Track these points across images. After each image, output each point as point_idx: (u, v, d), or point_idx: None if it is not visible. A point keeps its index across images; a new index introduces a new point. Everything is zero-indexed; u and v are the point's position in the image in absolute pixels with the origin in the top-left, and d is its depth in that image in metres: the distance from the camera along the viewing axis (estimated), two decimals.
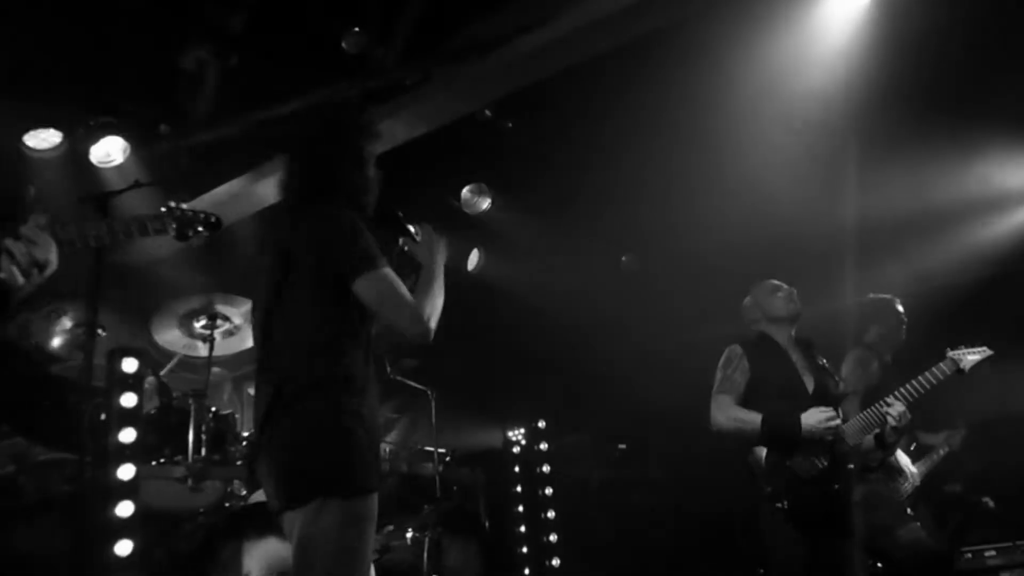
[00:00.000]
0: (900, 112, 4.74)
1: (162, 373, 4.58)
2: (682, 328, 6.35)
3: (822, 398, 3.66)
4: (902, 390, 3.58)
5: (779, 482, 3.52)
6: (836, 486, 3.51)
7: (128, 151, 4.69)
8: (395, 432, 5.96)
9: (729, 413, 3.65)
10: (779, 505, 3.48)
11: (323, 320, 2.31)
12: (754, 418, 3.56)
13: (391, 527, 4.65)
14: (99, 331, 3.68)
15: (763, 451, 3.62)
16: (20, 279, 1.88)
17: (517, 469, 6.70)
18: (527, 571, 6.32)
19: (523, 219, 6.15)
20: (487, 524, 5.39)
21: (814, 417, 3.50)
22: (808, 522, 3.47)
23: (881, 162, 5.02)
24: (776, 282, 3.95)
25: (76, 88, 4.51)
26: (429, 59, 4.67)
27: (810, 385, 3.72)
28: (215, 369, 5.00)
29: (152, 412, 4.23)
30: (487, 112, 5.18)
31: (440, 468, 5.08)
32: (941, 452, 5.05)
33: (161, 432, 4.17)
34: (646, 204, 5.79)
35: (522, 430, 6.76)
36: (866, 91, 4.58)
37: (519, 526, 6.47)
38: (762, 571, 3.96)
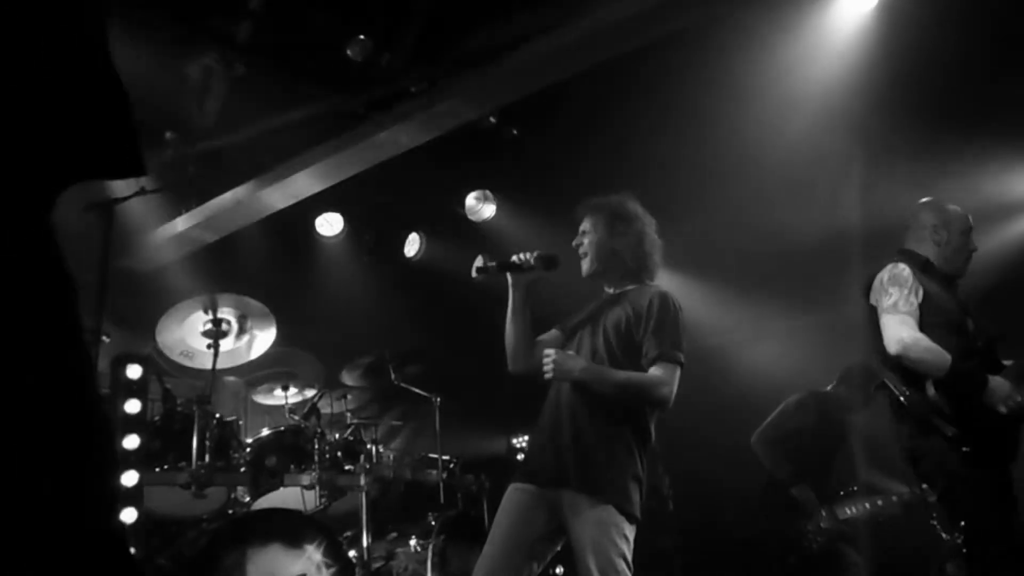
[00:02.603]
0: (908, 117, 4.73)
1: None
2: (689, 332, 6.31)
3: (980, 337, 3.38)
4: None
5: (963, 424, 3.21)
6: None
7: None
8: (399, 439, 5.95)
9: (919, 340, 3.21)
10: (964, 449, 3.19)
11: None
12: (944, 358, 3.19)
13: (395, 534, 4.65)
14: (103, 337, 3.68)
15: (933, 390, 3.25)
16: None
17: None
18: None
19: (528, 226, 6.15)
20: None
21: (1003, 389, 3.17)
22: (993, 461, 3.21)
23: (888, 166, 5.01)
24: (971, 222, 3.53)
25: None
26: (434, 66, 4.68)
27: (970, 324, 3.41)
28: (230, 378, 4.98)
29: (156, 418, 4.23)
30: (492, 119, 5.19)
31: (444, 475, 5.06)
32: (892, 499, 4.53)
33: (165, 438, 4.16)
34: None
35: (527, 437, 6.73)
36: (873, 96, 4.58)
37: None
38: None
